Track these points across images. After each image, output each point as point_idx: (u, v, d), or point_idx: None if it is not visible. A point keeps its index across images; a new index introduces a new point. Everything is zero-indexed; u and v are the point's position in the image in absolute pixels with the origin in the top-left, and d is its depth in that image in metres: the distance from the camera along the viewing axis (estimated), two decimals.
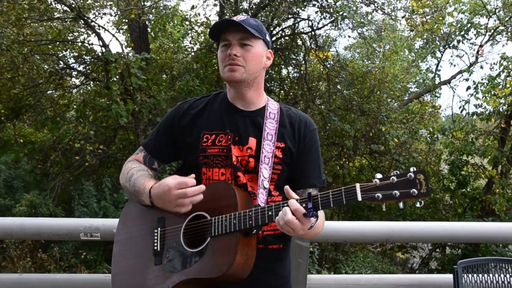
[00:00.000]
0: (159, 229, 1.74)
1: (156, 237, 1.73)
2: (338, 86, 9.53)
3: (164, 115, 1.95)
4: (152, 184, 1.71)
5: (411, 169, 1.40)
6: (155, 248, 1.71)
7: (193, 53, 10.34)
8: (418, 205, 1.41)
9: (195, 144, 1.78)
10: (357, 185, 1.44)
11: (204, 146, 1.77)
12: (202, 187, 1.63)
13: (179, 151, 1.87)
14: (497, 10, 9.27)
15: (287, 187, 1.56)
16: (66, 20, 8.42)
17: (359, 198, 1.43)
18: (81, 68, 9.16)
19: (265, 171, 1.72)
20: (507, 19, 9.14)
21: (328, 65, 9.43)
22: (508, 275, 2.48)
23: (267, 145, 1.74)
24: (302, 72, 9.29)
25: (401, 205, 1.42)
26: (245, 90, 1.80)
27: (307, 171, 1.81)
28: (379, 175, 1.43)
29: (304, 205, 1.48)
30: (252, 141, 1.76)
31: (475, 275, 2.47)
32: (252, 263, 1.63)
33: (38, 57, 7.83)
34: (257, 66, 1.78)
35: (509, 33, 9.31)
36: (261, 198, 1.69)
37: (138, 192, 1.75)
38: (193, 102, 1.89)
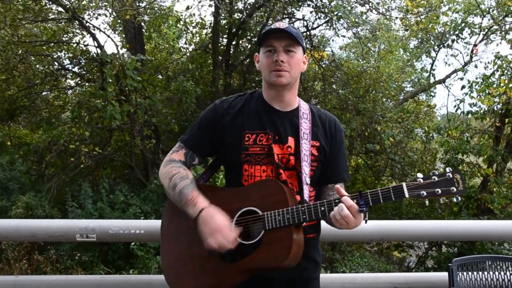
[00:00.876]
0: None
1: None
2: (334, 86, 9.55)
3: (202, 113, 2.02)
4: (205, 206, 1.79)
5: (447, 169, 1.62)
6: None
7: (188, 54, 10.34)
8: (455, 200, 1.61)
9: (237, 142, 1.88)
10: (404, 184, 1.64)
11: (246, 145, 1.88)
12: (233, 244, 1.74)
13: (218, 147, 1.96)
14: (491, 10, 9.31)
15: (338, 186, 1.72)
16: (61, 21, 8.39)
17: (407, 195, 1.62)
18: (76, 69, 9.14)
19: (306, 168, 1.86)
20: (500, 18, 9.17)
21: (323, 65, 9.45)
22: (502, 273, 2.50)
23: (305, 144, 1.88)
24: None
25: (441, 200, 1.65)
26: (286, 92, 1.92)
27: (338, 167, 1.99)
28: (420, 175, 1.64)
29: (355, 200, 1.66)
30: (291, 140, 1.89)
31: (469, 273, 2.48)
32: (302, 252, 1.77)
33: (33, 58, 7.81)
34: (299, 71, 1.92)
35: (503, 32, 9.35)
36: (306, 194, 1.85)
37: (184, 204, 1.82)
38: (231, 101, 1.98)
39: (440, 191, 1.60)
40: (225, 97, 2.03)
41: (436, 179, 1.61)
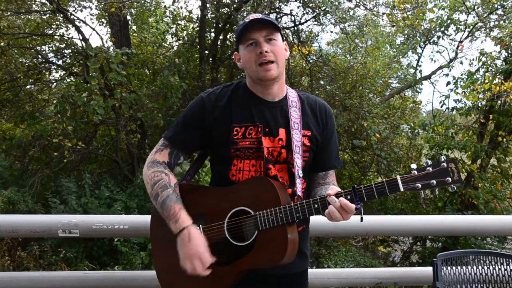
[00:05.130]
0: (201, 226, 1.78)
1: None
2: (321, 82, 9.56)
3: (187, 107, 1.93)
4: (188, 225, 1.73)
5: (442, 158, 1.56)
6: None
7: (175, 48, 10.26)
8: (450, 190, 1.57)
9: (225, 137, 1.81)
10: (398, 177, 1.59)
11: (235, 139, 1.80)
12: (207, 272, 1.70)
13: (206, 143, 1.88)
14: (476, 7, 9.41)
15: (329, 192, 1.65)
16: (45, 13, 8.24)
17: (401, 189, 1.57)
18: (60, 62, 8.99)
19: (298, 161, 1.79)
20: (485, 15, 9.28)
21: (311, 61, 9.44)
22: (486, 267, 2.52)
23: (296, 134, 1.80)
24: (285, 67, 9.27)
25: (436, 191, 1.61)
26: (274, 85, 1.84)
27: (329, 155, 1.93)
28: (414, 166, 1.58)
29: (349, 197, 1.62)
30: (282, 132, 1.82)
31: (454, 268, 2.50)
32: (297, 248, 1.75)
33: (16, 51, 7.65)
34: (284, 58, 1.84)
35: (487, 30, 9.46)
36: (299, 188, 1.79)
37: (167, 217, 1.76)
38: (218, 93, 1.88)
39: (435, 182, 1.56)
40: (210, 89, 1.93)
41: (431, 169, 1.56)
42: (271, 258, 1.68)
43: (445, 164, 1.54)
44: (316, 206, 1.66)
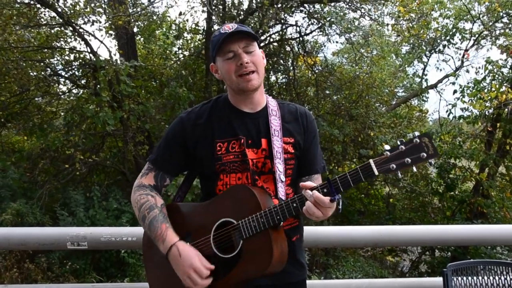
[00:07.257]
0: (188, 244, 1.75)
1: None
2: (327, 91, 9.58)
3: (168, 128, 1.93)
4: (175, 242, 1.71)
5: (415, 134, 1.50)
6: None
7: (182, 59, 10.33)
8: (428, 165, 1.51)
9: (209, 154, 1.81)
10: (371, 161, 1.54)
11: (219, 154, 1.80)
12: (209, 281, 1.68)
13: (191, 163, 1.88)
14: (481, 15, 9.42)
15: (302, 184, 1.63)
16: (54, 26, 8.34)
17: (376, 173, 1.53)
18: (68, 75, 9.07)
19: (279, 166, 1.78)
20: (490, 24, 9.28)
21: (317, 71, 9.47)
22: (497, 277, 2.50)
23: (276, 141, 1.80)
24: (290, 77, 9.32)
25: (414, 169, 1.53)
26: (255, 94, 1.84)
27: (311, 159, 1.91)
28: (387, 147, 1.54)
29: (326, 190, 1.57)
30: (264, 142, 1.82)
31: (464, 278, 2.47)
32: (287, 254, 1.71)
33: (24, 64, 7.74)
34: (263, 67, 1.84)
35: (493, 38, 9.45)
36: (281, 192, 1.76)
37: (154, 238, 1.76)
38: (197, 112, 1.89)
39: (410, 160, 1.49)
40: (190, 108, 1.94)
41: (404, 148, 1.50)
42: (259, 265, 1.65)
43: (417, 140, 1.49)
44: (295, 205, 1.62)
